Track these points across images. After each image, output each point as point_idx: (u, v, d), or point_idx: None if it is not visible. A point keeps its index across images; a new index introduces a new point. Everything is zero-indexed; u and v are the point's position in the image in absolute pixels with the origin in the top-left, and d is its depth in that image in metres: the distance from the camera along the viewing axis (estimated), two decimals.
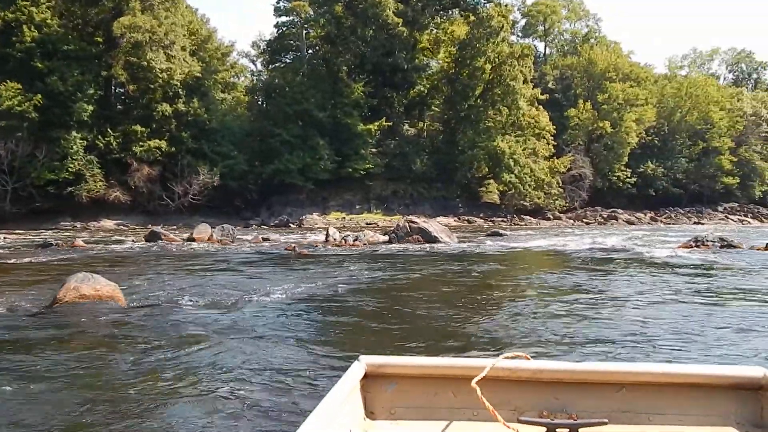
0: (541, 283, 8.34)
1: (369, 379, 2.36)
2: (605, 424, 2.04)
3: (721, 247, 15.12)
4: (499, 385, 2.30)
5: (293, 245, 15.91)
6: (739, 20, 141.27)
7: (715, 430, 2.23)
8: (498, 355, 2.34)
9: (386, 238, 19.26)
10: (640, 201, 61.23)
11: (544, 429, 2.06)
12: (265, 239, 21.22)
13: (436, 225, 20.51)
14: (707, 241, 15.04)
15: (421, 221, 20.04)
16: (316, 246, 17.31)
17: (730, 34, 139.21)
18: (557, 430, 2.04)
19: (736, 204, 62.01)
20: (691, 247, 15.48)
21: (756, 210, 57.95)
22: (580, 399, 2.29)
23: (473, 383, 2.16)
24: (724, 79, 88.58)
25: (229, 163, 44.53)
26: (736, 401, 2.27)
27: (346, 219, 45.50)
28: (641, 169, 63.22)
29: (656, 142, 65.94)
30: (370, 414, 2.35)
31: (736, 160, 66.60)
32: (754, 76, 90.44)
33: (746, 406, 2.27)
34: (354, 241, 17.82)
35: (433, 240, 18.51)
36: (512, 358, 2.31)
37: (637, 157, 63.00)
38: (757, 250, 14.89)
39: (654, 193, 63.71)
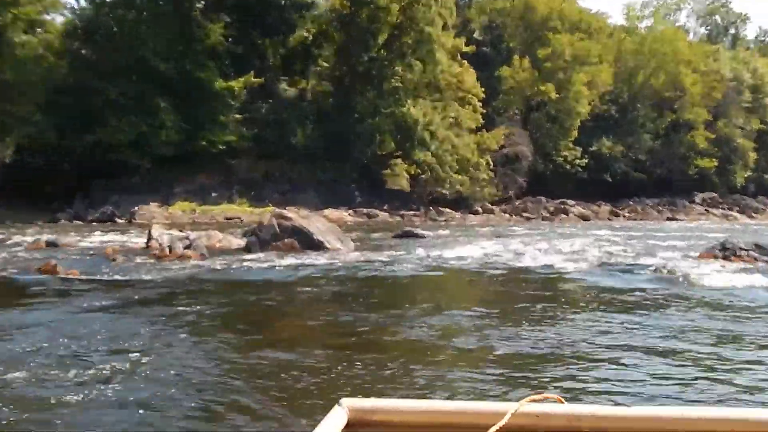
0: (539, 336, 7.75)
1: (352, 428, 2.39)
2: None
3: None
4: None
5: (51, 263, 13.05)
6: None
7: None
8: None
9: (243, 243, 18.38)
10: (594, 189, 62.41)
11: None
12: (51, 244, 18.53)
13: (320, 223, 19.87)
14: (740, 249, 13.57)
15: (298, 217, 19.21)
16: (116, 258, 15.22)
17: None
18: None
19: (715, 194, 63.00)
20: (722, 259, 14.83)
21: (742, 201, 58.83)
22: None
23: None
24: (695, 34, 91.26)
25: (28, 131, 42.89)
26: None
27: (197, 212, 44.75)
28: (594, 148, 64.63)
29: (613, 112, 67.52)
30: None
31: (713, 137, 68.33)
32: (731, 31, 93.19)
33: None
34: (186, 249, 15.63)
35: (317, 246, 17.58)
36: (540, 400, 2.35)
37: (589, 132, 64.14)
38: None
39: (610, 179, 65.40)
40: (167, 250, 15.83)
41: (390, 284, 12.01)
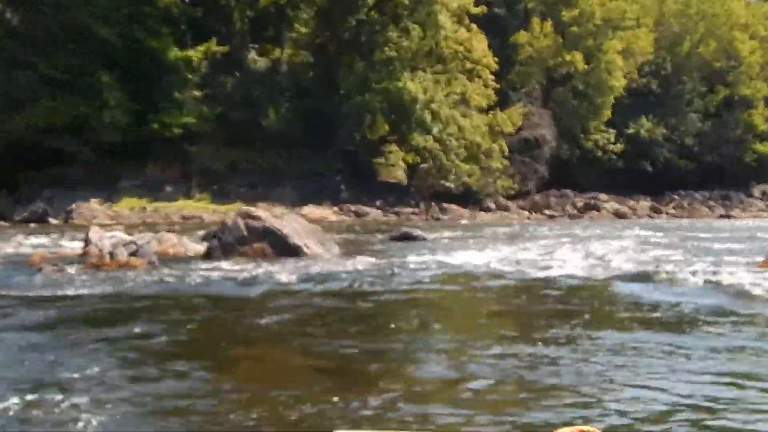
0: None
1: None
2: None
3: None
4: None
5: None
6: None
7: None
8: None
9: (202, 248, 18.33)
10: (630, 180, 62.84)
11: None
12: None
13: (297, 223, 19.52)
14: None
15: (270, 216, 18.94)
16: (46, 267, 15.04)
17: None
18: None
19: None
20: None
21: None
22: None
23: None
24: None
25: None
26: None
27: (148, 210, 45.06)
28: (631, 130, 64.88)
29: (654, 87, 67.60)
30: None
31: None
32: None
33: None
34: (132, 256, 15.55)
35: (293, 252, 17.60)
36: None
37: (624, 111, 64.36)
38: None
39: (650, 168, 65.44)
40: (107, 258, 15.68)
41: (382, 300, 11.80)
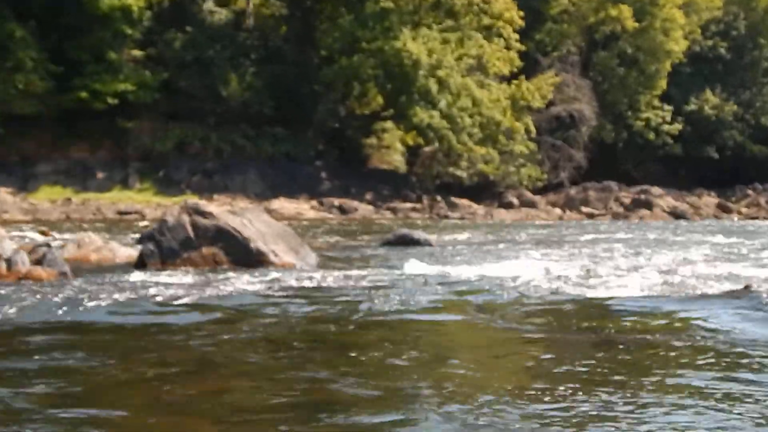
0: None
1: None
2: None
3: None
4: None
5: None
6: None
7: None
8: None
9: (133, 254, 17.91)
10: (691, 170, 63.52)
11: None
12: None
13: (261, 223, 18.99)
14: None
15: (225, 213, 18.50)
16: None
17: None
18: None
19: None
20: None
21: None
22: None
23: None
24: None
25: None
26: None
27: (74, 202, 45.57)
28: (692, 107, 65.45)
29: (723, 51, 67.55)
30: None
31: None
32: None
33: None
34: (37, 265, 15.27)
35: (255, 260, 17.29)
36: None
37: (685, 83, 65.29)
38: None
39: (717, 155, 66.08)
40: (3, 267, 15.06)
41: (369, 333, 10.94)
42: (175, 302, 12.74)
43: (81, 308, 12.20)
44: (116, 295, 13.18)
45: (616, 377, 8.46)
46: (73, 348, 9.55)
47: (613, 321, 11.80)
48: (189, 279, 15.23)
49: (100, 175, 49.00)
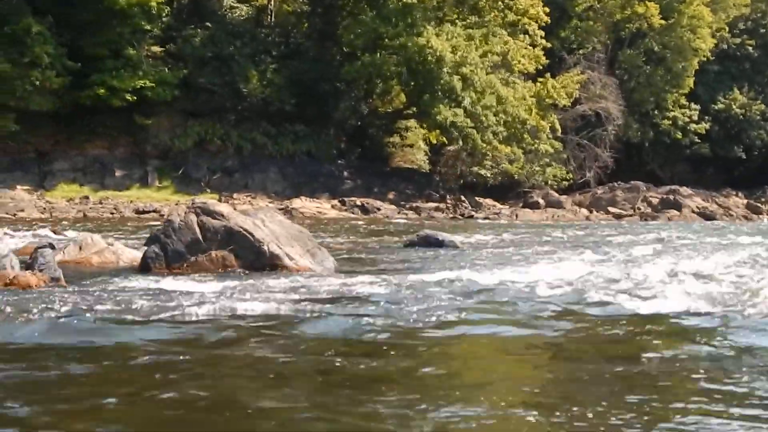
0: None
1: None
2: None
3: None
4: None
5: None
6: None
7: None
8: None
9: (139, 257, 17.10)
10: (719, 170, 64.21)
11: None
12: None
13: (275, 224, 18.10)
14: None
15: (235, 213, 17.56)
16: None
17: None
18: None
19: None
20: None
21: None
22: None
23: None
24: None
25: None
26: None
27: (91, 200, 45.44)
28: (720, 105, 66.54)
29: (751, 50, 68.16)
30: None
31: None
32: None
33: None
34: (28, 270, 14.22)
35: (267, 264, 16.40)
36: None
37: (712, 81, 66.57)
38: None
39: (744, 155, 66.65)
40: None
41: (391, 354, 9.55)
42: (174, 314, 11.37)
43: (62, 324, 10.70)
44: (101, 306, 11.86)
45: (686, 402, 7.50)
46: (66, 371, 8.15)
47: (666, 338, 10.50)
48: (193, 285, 14.10)
49: (118, 173, 49.34)
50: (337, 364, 8.87)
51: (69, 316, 11.15)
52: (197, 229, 16.55)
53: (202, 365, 8.63)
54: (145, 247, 17.47)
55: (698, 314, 11.93)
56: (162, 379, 7.92)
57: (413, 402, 7.53)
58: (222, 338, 10.05)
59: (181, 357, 8.88)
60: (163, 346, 9.51)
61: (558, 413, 7.04)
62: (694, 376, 8.56)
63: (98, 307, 11.80)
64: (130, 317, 11.35)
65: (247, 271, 15.88)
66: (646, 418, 6.96)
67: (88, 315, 11.31)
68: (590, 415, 7.12)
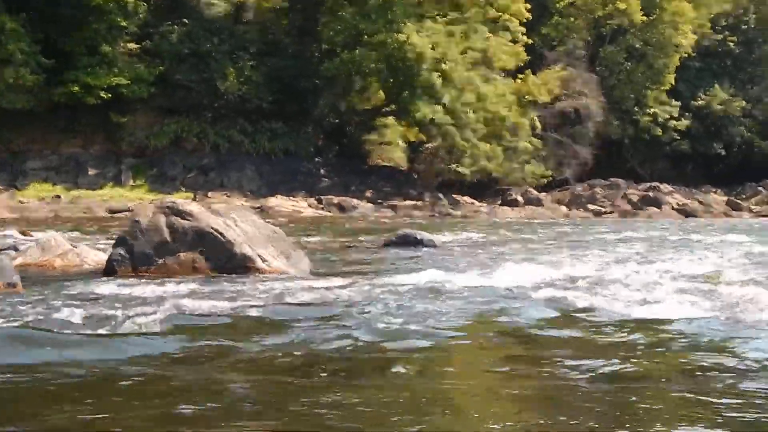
0: None
1: None
2: None
3: None
4: None
5: None
6: None
7: None
8: None
9: (104, 259, 16.49)
10: (698, 167, 65.74)
11: None
12: None
13: (248, 224, 17.59)
14: None
15: (205, 213, 17.01)
16: None
17: None
18: None
19: None
20: None
21: None
22: None
23: None
24: None
25: None
26: None
27: (63, 200, 45.53)
28: (700, 102, 67.91)
29: (732, 46, 69.44)
30: None
31: None
32: None
33: None
34: None
35: (240, 266, 16.00)
36: None
37: (693, 78, 67.92)
38: None
39: (724, 152, 67.11)
40: None
41: (362, 363, 8.99)
42: (135, 319, 10.67)
43: (11, 335, 9.81)
44: (65, 313, 11.18)
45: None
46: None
47: (649, 344, 9.81)
48: (159, 290, 13.41)
49: (91, 171, 49.42)
50: (295, 382, 8.12)
51: (20, 328, 10.44)
52: (165, 230, 16.08)
53: (143, 384, 7.80)
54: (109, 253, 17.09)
55: (689, 318, 11.32)
56: (95, 404, 6.92)
57: (382, 415, 6.94)
58: (173, 352, 9.29)
59: (126, 375, 8.15)
60: (102, 364, 8.72)
61: (542, 422, 6.60)
62: (687, 383, 7.91)
63: (55, 316, 11.14)
64: (80, 329, 10.55)
65: (216, 274, 15.48)
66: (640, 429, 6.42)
67: (41, 326, 10.53)
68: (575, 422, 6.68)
